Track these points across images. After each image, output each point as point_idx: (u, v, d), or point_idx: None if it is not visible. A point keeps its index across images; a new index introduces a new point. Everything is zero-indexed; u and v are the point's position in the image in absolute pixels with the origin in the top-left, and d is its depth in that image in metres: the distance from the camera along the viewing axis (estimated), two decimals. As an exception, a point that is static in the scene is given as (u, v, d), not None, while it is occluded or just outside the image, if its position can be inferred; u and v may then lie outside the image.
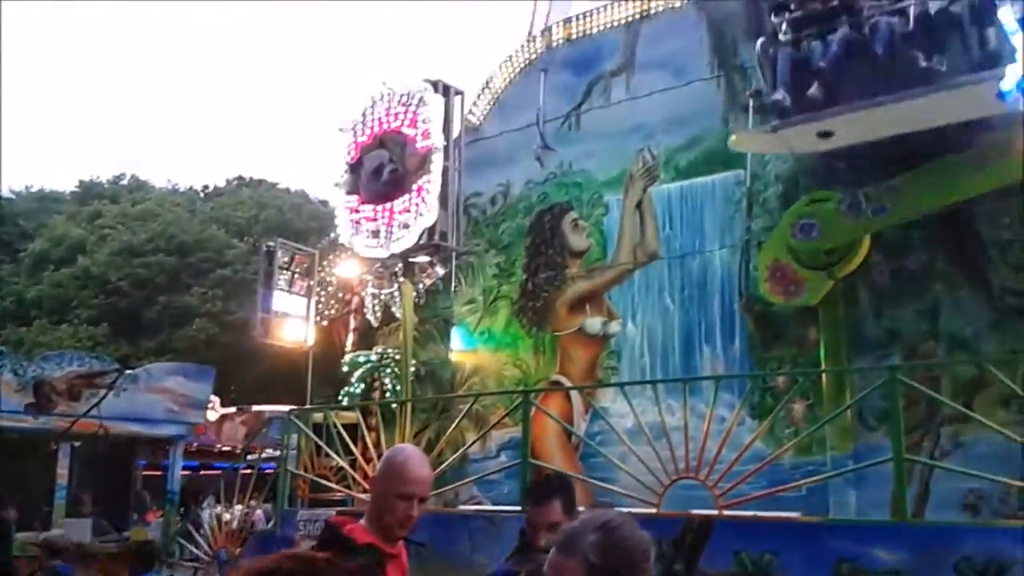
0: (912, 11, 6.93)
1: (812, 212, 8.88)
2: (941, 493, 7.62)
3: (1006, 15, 5.94)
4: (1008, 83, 5.82)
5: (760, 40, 7.94)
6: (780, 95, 7.51)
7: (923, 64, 6.68)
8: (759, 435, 6.87)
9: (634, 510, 6.64)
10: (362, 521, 2.77)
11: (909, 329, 8.64)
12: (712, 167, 10.47)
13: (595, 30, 11.90)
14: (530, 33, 12.09)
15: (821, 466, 8.37)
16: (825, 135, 7.36)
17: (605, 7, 11.98)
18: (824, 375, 8.59)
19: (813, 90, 7.29)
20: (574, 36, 12.06)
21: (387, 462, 2.82)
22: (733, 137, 8.80)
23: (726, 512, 6.02)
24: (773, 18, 7.86)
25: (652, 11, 11.38)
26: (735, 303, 9.91)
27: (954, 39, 6.79)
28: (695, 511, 6.40)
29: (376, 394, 12.03)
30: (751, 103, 9.90)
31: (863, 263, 8.91)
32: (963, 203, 8.26)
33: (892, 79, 7.01)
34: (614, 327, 10.91)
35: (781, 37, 7.66)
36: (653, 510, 6.46)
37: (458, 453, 8.66)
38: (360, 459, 8.12)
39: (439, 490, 8.20)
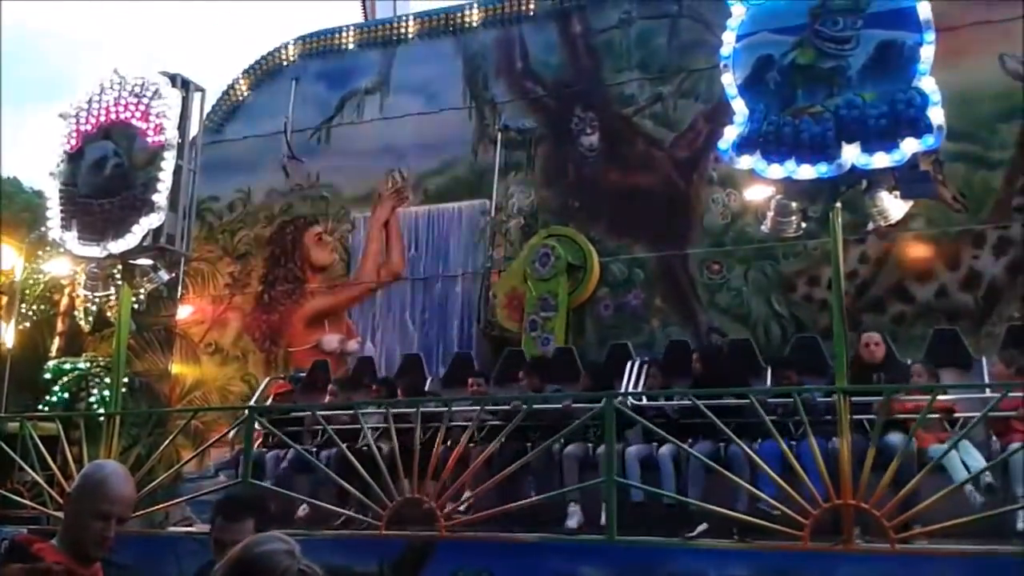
0: None
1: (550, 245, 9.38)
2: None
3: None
4: (725, 142, 6.38)
5: None
6: None
7: None
8: (485, 456, 7.00)
9: (359, 532, 6.56)
10: (53, 541, 2.59)
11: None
12: (460, 194, 10.73)
13: (351, 45, 11.80)
14: None
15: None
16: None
17: (363, 24, 11.92)
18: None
19: None
20: (329, 48, 11.89)
21: (85, 478, 2.66)
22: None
23: (447, 532, 6.07)
24: None
25: (409, 35, 11.49)
26: (474, 327, 10.15)
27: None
28: (418, 531, 6.40)
29: (82, 405, 11.01)
30: (499, 137, 10.32)
31: (590, 297, 9.54)
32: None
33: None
34: (352, 345, 10.76)
35: None
36: (377, 532, 6.37)
37: (171, 471, 8.09)
38: (58, 474, 7.49)
39: (148, 510, 7.59)
